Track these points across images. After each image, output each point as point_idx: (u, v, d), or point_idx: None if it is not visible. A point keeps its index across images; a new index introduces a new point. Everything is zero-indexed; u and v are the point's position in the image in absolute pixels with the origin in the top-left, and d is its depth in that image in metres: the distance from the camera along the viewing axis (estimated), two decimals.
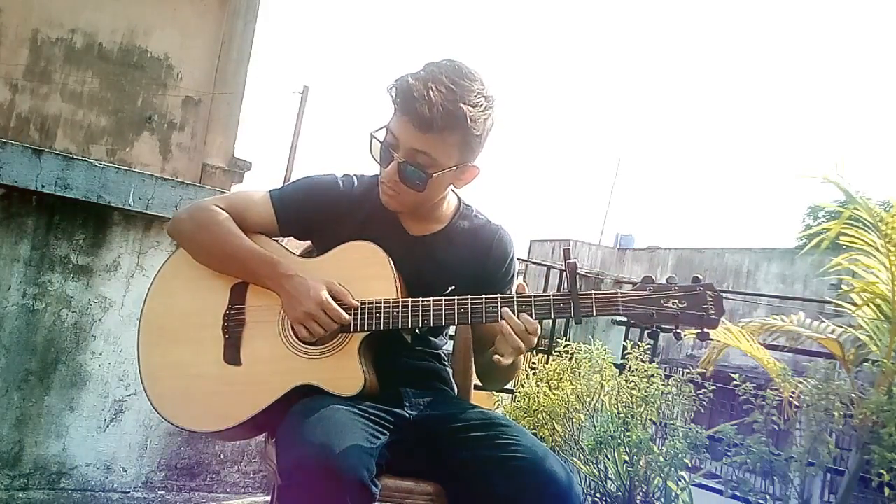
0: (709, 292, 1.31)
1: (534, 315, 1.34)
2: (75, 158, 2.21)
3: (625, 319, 2.92)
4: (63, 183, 2.15)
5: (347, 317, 1.35)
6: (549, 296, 1.33)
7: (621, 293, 1.32)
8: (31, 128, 8.46)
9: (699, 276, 1.34)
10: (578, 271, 1.32)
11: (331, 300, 1.35)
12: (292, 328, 1.39)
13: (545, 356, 3.32)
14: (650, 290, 1.32)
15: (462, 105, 1.33)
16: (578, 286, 1.32)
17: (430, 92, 1.31)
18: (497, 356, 1.33)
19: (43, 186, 2.12)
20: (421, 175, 1.37)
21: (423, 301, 1.35)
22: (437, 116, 1.31)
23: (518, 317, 1.31)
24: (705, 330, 1.33)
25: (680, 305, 1.31)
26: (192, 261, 1.47)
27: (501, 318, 1.32)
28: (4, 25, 8.28)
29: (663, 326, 1.35)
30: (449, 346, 1.66)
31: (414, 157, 1.36)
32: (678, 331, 1.35)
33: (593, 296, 1.31)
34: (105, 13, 8.77)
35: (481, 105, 1.36)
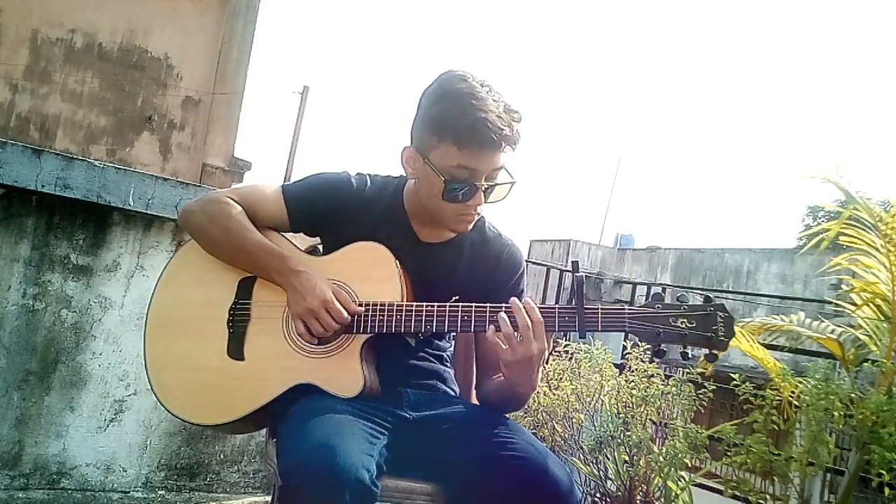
0: (720, 313, 1.27)
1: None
2: (75, 158, 2.21)
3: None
4: (63, 183, 2.15)
5: (347, 315, 1.35)
6: (554, 308, 1.31)
7: (628, 309, 1.29)
8: (31, 128, 8.47)
9: (710, 296, 1.30)
10: (580, 274, 1.31)
11: (335, 300, 1.35)
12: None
13: None
14: (658, 307, 1.28)
15: (517, 115, 1.35)
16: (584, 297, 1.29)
17: (505, 113, 1.31)
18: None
19: (43, 186, 2.12)
20: (507, 188, 1.39)
21: (426, 306, 1.34)
22: (516, 131, 1.33)
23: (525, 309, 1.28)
24: (714, 352, 1.28)
25: (689, 325, 1.27)
26: (202, 254, 1.48)
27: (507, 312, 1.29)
28: (4, 25, 8.28)
29: (670, 345, 1.30)
30: (452, 348, 1.65)
31: (494, 177, 1.37)
32: (685, 350, 1.30)
33: (599, 310, 1.28)
34: (105, 13, 8.78)
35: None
